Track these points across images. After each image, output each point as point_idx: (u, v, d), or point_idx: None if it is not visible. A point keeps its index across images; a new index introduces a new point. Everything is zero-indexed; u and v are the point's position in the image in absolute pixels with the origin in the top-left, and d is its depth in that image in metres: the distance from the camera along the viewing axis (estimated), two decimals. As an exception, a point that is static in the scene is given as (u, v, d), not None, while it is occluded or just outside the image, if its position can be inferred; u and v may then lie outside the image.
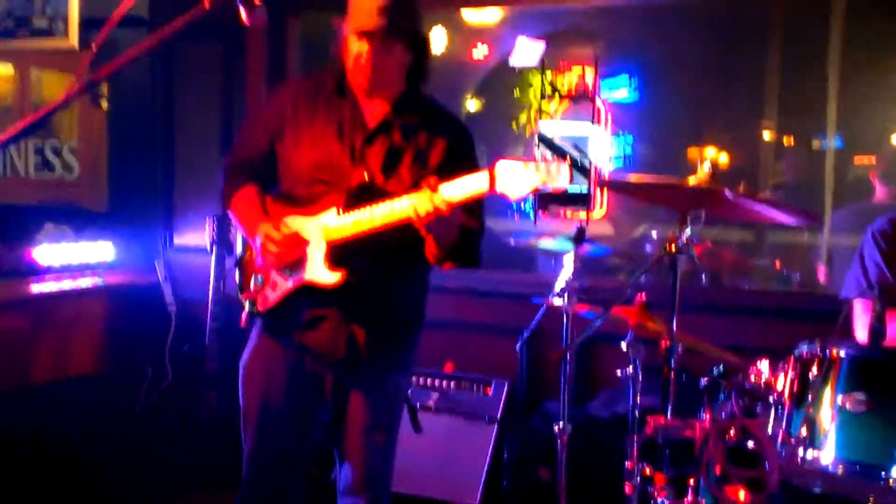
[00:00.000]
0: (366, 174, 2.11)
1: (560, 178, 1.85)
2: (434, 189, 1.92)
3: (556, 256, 4.48)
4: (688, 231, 1.82)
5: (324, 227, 2.12)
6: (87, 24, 4.25)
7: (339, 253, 2.12)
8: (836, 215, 4.27)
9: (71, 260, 3.93)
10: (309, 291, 2.16)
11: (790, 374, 1.84)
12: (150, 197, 4.34)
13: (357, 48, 2.07)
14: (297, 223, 2.18)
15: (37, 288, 3.72)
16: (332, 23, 2.20)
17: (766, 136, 4.82)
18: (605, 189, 3.85)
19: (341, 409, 2.28)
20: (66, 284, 3.84)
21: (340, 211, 2.10)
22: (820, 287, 4.34)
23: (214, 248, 3.82)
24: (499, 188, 1.88)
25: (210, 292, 3.79)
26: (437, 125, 2.22)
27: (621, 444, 3.24)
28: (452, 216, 1.95)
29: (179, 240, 4.29)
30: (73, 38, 4.23)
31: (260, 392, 2.30)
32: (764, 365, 1.90)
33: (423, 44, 2.17)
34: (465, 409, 3.40)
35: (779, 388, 1.86)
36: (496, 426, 3.36)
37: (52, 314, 3.75)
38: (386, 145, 2.16)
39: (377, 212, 2.04)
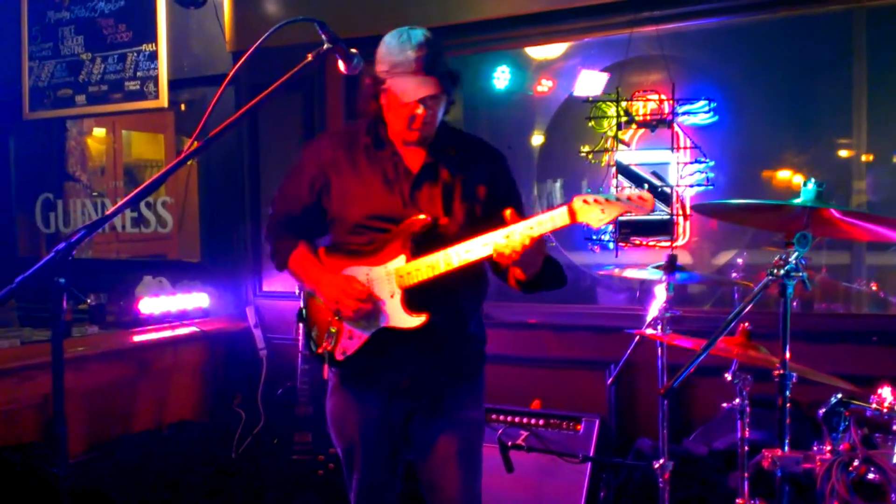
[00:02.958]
0: (426, 216, 2.15)
1: (644, 204, 1.88)
2: (514, 221, 1.97)
3: (638, 288, 4.42)
4: (796, 254, 1.77)
5: (396, 273, 2.17)
6: (173, 85, 4.48)
7: (415, 296, 2.16)
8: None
9: (170, 309, 4.09)
10: (388, 336, 2.22)
11: (916, 400, 1.76)
12: (240, 245, 4.49)
13: (411, 111, 2.13)
14: (362, 273, 2.23)
15: (139, 338, 3.88)
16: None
17: (846, 153, 4.66)
18: (688, 217, 3.77)
19: (427, 444, 2.33)
20: (166, 333, 3.99)
21: (409, 256, 2.15)
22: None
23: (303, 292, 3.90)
24: (580, 219, 1.92)
25: (300, 336, 3.87)
26: (475, 156, 2.28)
27: (722, 480, 3.16)
28: (538, 249, 1.99)
29: (268, 286, 4.41)
30: (164, 99, 4.45)
31: (356, 436, 2.36)
32: (886, 391, 1.81)
33: (457, 82, 2.22)
34: (556, 447, 3.34)
35: (904, 415, 1.77)
36: (590, 464, 3.29)
37: (153, 362, 3.89)
38: (435, 186, 2.22)
39: (453, 253, 2.06)
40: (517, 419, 3.49)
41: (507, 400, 3.61)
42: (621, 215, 1.89)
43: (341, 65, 1.85)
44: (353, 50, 1.86)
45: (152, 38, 4.46)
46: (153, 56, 4.47)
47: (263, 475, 3.92)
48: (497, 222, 2.03)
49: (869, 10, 3.87)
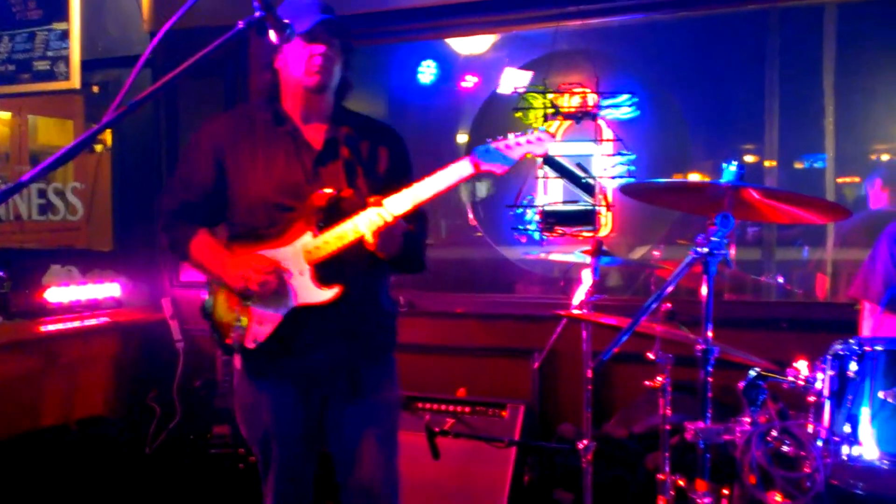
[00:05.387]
0: (331, 189, 2.16)
1: (543, 143, 2.03)
2: (379, 205, 2.05)
3: (562, 277, 4.50)
4: (718, 231, 1.83)
5: (303, 250, 2.15)
6: (86, 66, 4.29)
7: (325, 270, 2.16)
8: (839, 226, 4.31)
9: (79, 299, 3.92)
10: (301, 316, 2.18)
11: (829, 372, 1.84)
12: (156, 234, 4.31)
13: (310, 52, 2.14)
14: (269, 255, 2.18)
15: (45, 328, 3.69)
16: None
17: (751, 158, 4.89)
18: (610, 207, 3.87)
19: (345, 428, 2.30)
20: (75, 324, 3.82)
21: (316, 232, 2.14)
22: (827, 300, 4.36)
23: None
24: (484, 168, 2.04)
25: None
26: (374, 134, 2.31)
27: (641, 461, 3.25)
28: (397, 228, 2.08)
29: (186, 276, 4.26)
30: (75, 80, 4.25)
31: (271, 425, 2.31)
32: (802, 364, 1.90)
33: (352, 55, 2.26)
34: (482, 433, 3.36)
35: (818, 387, 1.86)
36: (515, 449, 3.32)
37: (61, 354, 3.71)
38: (339, 162, 2.22)
39: (351, 227, 2.09)
40: (443, 407, 3.49)
41: (434, 388, 3.61)
42: (523, 157, 2.04)
43: (272, 34, 1.79)
44: (286, 21, 1.80)
45: (64, 16, 4.26)
46: (65, 35, 4.26)
47: (180, 471, 3.79)
48: None
49: (781, 11, 4.06)
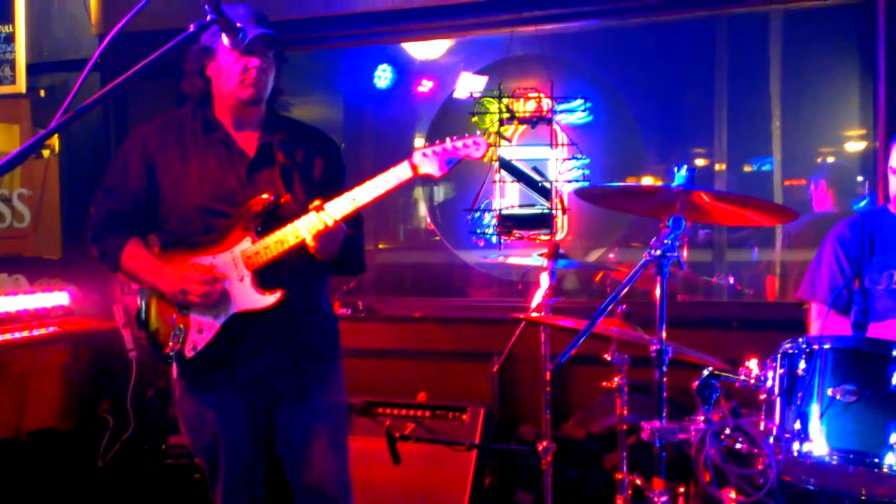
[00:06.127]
0: (268, 194, 2.15)
1: (480, 148, 2.08)
2: (321, 209, 2.06)
3: (521, 280, 4.53)
4: (671, 234, 1.86)
5: (242, 256, 2.14)
6: (32, 70, 4.19)
7: (266, 275, 2.15)
8: (787, 228, 4.42)
9: (27, 308, 3.83)
10: (241, 322, 2.17)
11: (779, 370, 1.89)
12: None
13: (244, 63, 2.12)
14: (206, 262, 2.17)
15: (-8, 339, 3.59)
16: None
17: (702, 162, 5.00)
18: (566, 210, 3.91)
19: (295, 432, 2.29)
20: (24, 334, 3.73)
21: (255, 237, 2.14)
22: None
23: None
24: (422, 171, 2.07)
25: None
26: (308, 139, 2.32)
27: (600, 461, 3.29)
28: (339, 231, 2.09)
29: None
30: (21, 84, 4.17)
31: (218, 434, 2.29)
32: (753, 363, 1.94)
33: (283, 64, 2.27)
34: (442, 437, 3.36)
35: (768, 385, 1.90)
36: (476, 452, 3.33)
37: (10, 365, 3.62)
38: (273, 168, 2.22)
39: (301, 226, 2.08)
40: (404, 412, 3.48)
41: (394, 393, 3.61)
42: (461, 160, 2.09)
43: (225, 39, 1.78)
44: (238, 25, 1.79)
45: (9, 18, 4.17)
46: (10, 38, 4.17)
47: (134, 483, 3.71)
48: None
49: (729, 18, 4.16)
